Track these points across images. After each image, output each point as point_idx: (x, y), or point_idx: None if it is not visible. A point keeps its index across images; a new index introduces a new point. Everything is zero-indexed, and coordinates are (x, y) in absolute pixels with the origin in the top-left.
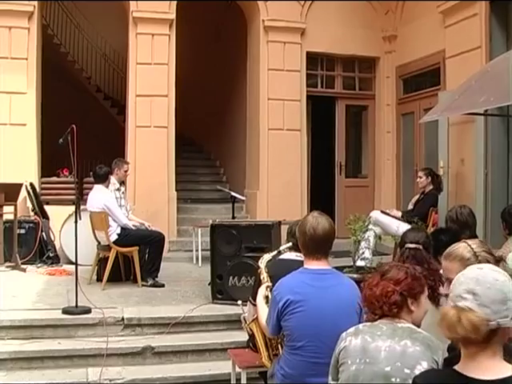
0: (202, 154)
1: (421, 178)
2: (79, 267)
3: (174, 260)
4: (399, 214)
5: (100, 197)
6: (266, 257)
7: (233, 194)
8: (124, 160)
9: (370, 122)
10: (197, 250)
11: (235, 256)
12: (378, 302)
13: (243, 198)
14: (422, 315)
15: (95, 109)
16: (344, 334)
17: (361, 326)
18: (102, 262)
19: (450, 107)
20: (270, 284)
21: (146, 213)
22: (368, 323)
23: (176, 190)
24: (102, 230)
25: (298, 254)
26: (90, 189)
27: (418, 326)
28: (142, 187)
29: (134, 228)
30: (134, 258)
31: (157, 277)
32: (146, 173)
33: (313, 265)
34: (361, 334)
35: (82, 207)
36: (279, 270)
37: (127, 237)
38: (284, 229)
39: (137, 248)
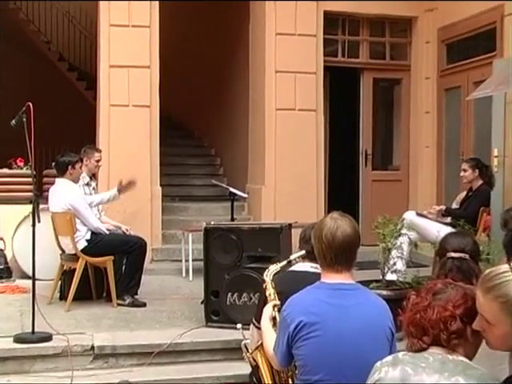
0: (194, 140)
1: (465, 171)
2: (37, 282)
3: (158, 273)
4: (439, 209)
5: (65, 193)
6: (274, 268)
7: (232, 190)
8: (94, 147)
9: (404, 100)
10: (187, 261)
11: (235, 267)
12: (433, 328)
13: (245, 196)
14: (478, 348)
15: (57, 82)
16: (379, 364)
17: (401, 354)
18: (66, 276)
19: (509, 80)
20: (278, 302)
21: (122, 213)
22: (409, 352)
23: (161, 185)
24: (67, 235)
25: (314, 265)
26: (52, 183)
27: (471, 360)
28: (118, 181)
29: (107, 233)
30: (108, 270)
31: (136, 294)
32: (122, 163)
33: (332, 278)
34: (400, 364)
35: (41, 207)
36: (290, 284)
37: (99, 244)
38: (296, 233)
39: (111, 258)
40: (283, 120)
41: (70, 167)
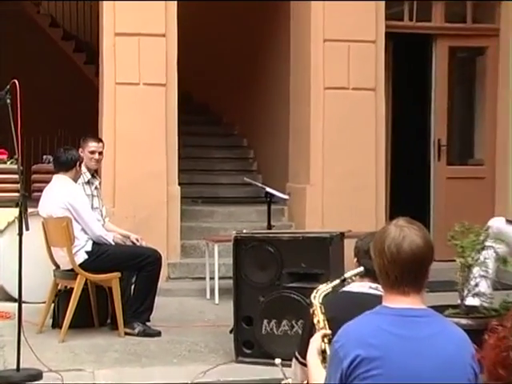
0: (221, 127)
1: None
2: (24, 306)
3: (176, 293)
4: None
5: (64, 191)
6: (323, 289)
7: (269, 189)
8: (91, 136)
9: (490, 76)
10: (212, 278)
11: (272, 287)
12: None
13: (285, 197)
14: None
15: (49, 54)
16: None
17: None
18: (61, 298)
19: None
20: (328, 331)
21: (132, 220)
22: None
23: (179, 185)
24: (62, 245)
25: (374, 285)
26: (43, 181)
27: None
28: (126, 180)
29: (113, 243)
30: (114, 290)
31: (149, 320)
32: (131, 157)
33: (397, 302)
34: None
35: (29, 210)
36: (344, 308)
37: (103, 257)
38: (349, 245)
39: (117, 275)
40: (333, 102)
41: (78, 164)
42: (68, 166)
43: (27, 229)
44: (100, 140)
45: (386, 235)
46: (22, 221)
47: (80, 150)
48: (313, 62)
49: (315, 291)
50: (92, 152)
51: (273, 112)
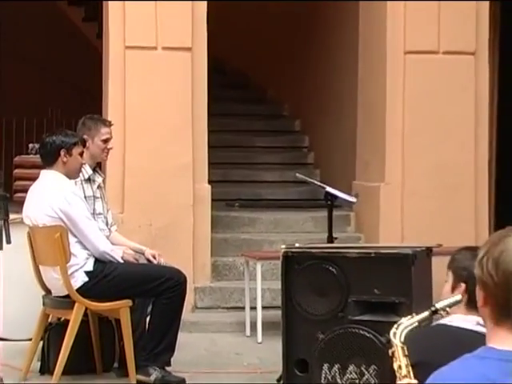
0: (265, 106)
1: None
2: (4, 345)
3: (206, 328)
4: None
5: (53, 193)
6: (406, 323)
7: (330, 190)
8: (99, 118)
9: None
10: (253, 308)
11: (335, 320)
12: None
13: (352, 200)
14: None
15: (36, 10)
16: None
17: None
18: (52, 334)
19: None
20: (414, 382)
21: (147, 229)
22: None
23: (210, 183)
24: (54, 264)
25: (476, 319)
26: (28, 178)
27: None
28: (139, 176)
29: (121, 261)
30: (123, 324)
31: (169, 364)
32: (146, 146)
33: (509, 342)
34: None
35: (12, 217)
36: (436, 350)
37: (108, 279)
38: (440, 264)
39: (128, 303)
40: (417, 71)
41: (63, 153)
42: (51, 156)
43: (8, 241)
44: (110, 123)
45: (497, 251)
46: (2, 231)
47: (85, 137)
48: (389, 18)
49: (395, 326)
50: (105, 140)
51: (334, 85)
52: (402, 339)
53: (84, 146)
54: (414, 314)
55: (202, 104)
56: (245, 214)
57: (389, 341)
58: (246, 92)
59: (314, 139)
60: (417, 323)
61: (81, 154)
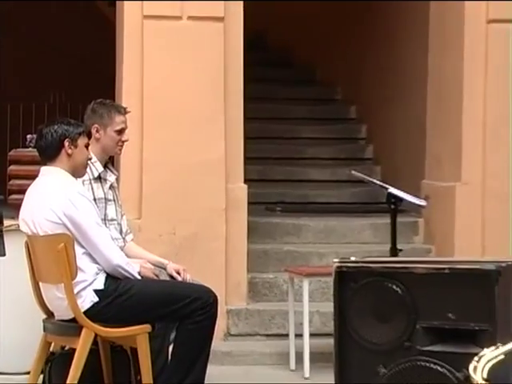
0: (314, 87)
1: None
2: None
3: (241, 360)
4: None
5: (56, 193)
6: (489, 355)
7: (393, 191)
8: (113, 104)
9: None
10: (299, 336)
11: (400, 351)
12: None
13: (421, 203)
14: None
15: None
16: None
17: None
18: (55, 366)
19: None
20: None
21: (169, 239)
22: None
23: (247, 182)
24: (57, 281)
25: None
26: (26, 176)
27: None
28: (160, 174)
29: (139, 277)
30: (141, 353)
31: None
32: (168, 137)
33: None
34: None
35: (6, 223)
36: None
37: (123, 300)
38: None
39: (147, 329)
40: (501, 43)
41: (67, 143)
42: (52, 149)
43: (1, 253)
44: (126, 110)
45: None
46: None
47: (94, 127)
48: None
49: (475, 359)
50: (120, 131)
51: (399, 64)
52: (485, 375)
53: (89, 137)
54: (498, 345)
55: (237, 86)
56: (288, 221)
57: (467, 377)
58: (289, 72)
59: (373, 129)
60: (502, 355)
61: (86, 147)
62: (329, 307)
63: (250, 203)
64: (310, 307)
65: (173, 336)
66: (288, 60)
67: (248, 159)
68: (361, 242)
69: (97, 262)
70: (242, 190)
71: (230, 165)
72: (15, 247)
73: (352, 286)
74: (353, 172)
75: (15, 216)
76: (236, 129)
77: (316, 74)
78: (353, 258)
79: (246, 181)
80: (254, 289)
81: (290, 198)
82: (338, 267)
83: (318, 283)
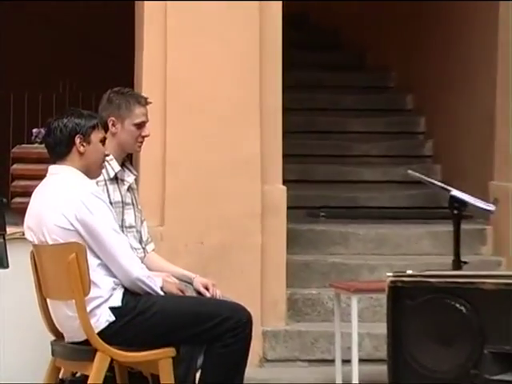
0: (364, 74)
1: None
2: None
3: None
4: None
5: (67, 199)
6: None
7: (457, 193)
8: (132, 93)
9: None
10: (346, 362)
11: (464, 379)
12: None
13: (489, 208)
14: None
15: None
16: None
17: None
18: None
19: None
20: None
21: (196, 249)
22: None
23: (285, 183)
24: (67, 297)
25: None
26: (32, 177)
27: None
28: (186, 175)
29: (161, 293)
30: (163, 380)
31: None
32: (195, 132)
33: None
34: None
35: (9, 231)
36: None
37: (143, 319)
38: None
39: (170, 353)
40: None
41: (79, 140)
42: (62, 145)
43: (4, 265)
44: (147, 101)
45: None
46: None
47: (110, 120)
48: None
49: None
50: (140, 125)
51: (463, 48)
52: None
53: (106, 130)
54: None
55: (275, 72)
56: (334, 228)
57: None
58: (336, 56)
59: (432, 122)
60: None
61: (102, 141)
62: (381, 329)
63: (289, 208)
64: (360, 329)
65: (200, 361)
66: (334, 42)
67: (287, 157)
68: (418, 252)
69: (113, 275)
70: (280, 193)
71: (266, 163)
72: (19, 258)
73: (408, 304)
74: (409, 172)
75: (19, 222)
76: (273, 121)
77: (367, 57)
78: (409, 272)
79: (284, 182)
80: (295, 307)
81: (336, 202)
82: (391, 282)
83: (369, 301)
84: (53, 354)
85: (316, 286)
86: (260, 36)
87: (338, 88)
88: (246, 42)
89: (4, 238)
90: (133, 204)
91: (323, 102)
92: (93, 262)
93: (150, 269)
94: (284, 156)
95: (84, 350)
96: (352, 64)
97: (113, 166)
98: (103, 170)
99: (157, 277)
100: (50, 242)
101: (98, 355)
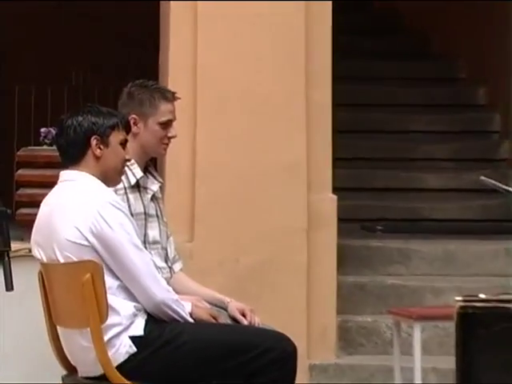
0: (428, 63)
1: None
2: None
3: None
4: None
5: (81, 210)
6: None
7: None
8: (157, 88)
9: None
10: None
11: None
12: None
13: None
14: None
15: None
16: None
17: None
18: None
19: None
20: None
21: (231, 268)
22: None
23: (335, 191)
24: (81, 325)
25: None
26: (40, 185)
27: None
28: (219, 182)
29: (190, 320)
30: None
31: None
32: (230, 133)
33: None
34: None
35: (14, 247)
36: None
37: (170, 351)
38: None
39: None
40: None
41: (95, 141)
42: (76, 148)
43: (9, 287)
44: (175, 96)
45: None
46: (7, 274)
47: (131, 118)
48: None
49: None
50: (166, 124)
51: None
52: None
53: (128, 130)
54: None
55: (324, 61)
56: (393, 244)
57: None
58: (396, 42)
59: (508, 119)
60: None
61: (123, 144)
62: (449, 363)
63: (340, 220)
64: (423, 362)
65: None
66: (394, 26)
67: (337, 160)
68: (492, 273)
69: (135, 299)
70: (329, 203)
71: (313, 168)
72: (25, 279)
73: (481, 333)
74: (482, 178)
75: (25, 237)
76: (321, 119)
77: (432, 44)
78: (482, 296)
79: (334, 190)
80: (347, 337)
81: (395, 214)
82: (461, 308)
83: (434, 330)
84: None
85: (371, 313)
86: (306, 19)
87: (397, 80)
88: (289, 26)
89: (8, 256)
90: (157, 216)
91: (379, 95)
92: (111, 283)
93: (177, 291)
94: (334, 160)
95: None
96: (414, 51)
97: (134, 171)
98: (123, 177)
99: (185, 301)
100: (62, 260)
101: None
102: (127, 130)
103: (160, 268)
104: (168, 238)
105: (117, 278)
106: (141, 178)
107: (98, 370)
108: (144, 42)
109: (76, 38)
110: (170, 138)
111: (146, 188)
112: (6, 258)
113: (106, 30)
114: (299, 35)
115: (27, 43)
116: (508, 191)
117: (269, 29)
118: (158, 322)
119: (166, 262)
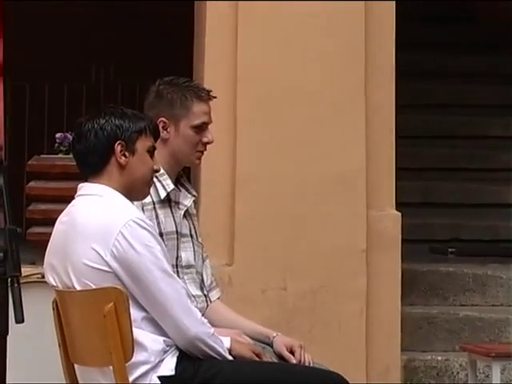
0: (508, 55)
1: None
2: None
3: None
4: None
5: (102, 229)
6: None
7: None
8: (190, 86)
9: None
10: None
11: None
12: None
13: None
14: None
15: None
16: None
17: None
18: None
19: None
20: None
21: (278, 297)
22: None
23: (399, 206)
24: (103, 363)
25: None
26: (57, 198)
27: None
28: (263, 196)
29: (230, 358)
30: None
31: None
32: (275, 139)
33: None
34: None
35: (25, 271)
36: None
37: None
38: None
39: None
40: None
41: (119, 148)
42: (97, 156)
43: (19, 319)
44: (210, 95)
45: None
46: (7, 300)
47: (160, 121)
48: None
49: None
50: (201, 128)
51: None
52: None
53: (157, 136)
54: None
55: (386, 57)
56: (467, 269)
57: None
58: (470, 31)
59: None
60: None
61: (151, 152)
62: None
63: (405, 241)
64: None
65: None
66: (468, 13)
67: (401, 171)
68: None
69: (164, 333)
70: (393, 221)
71: (373, 180)
72: (38, 309)
73: None
74: None
75: (37, 260)
76: (383, 123)
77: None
78: None
79: (398, 205)
80: (413, 377)
81: (470, 234)
82: None
83: None
84: None
85: (442, 350)
86: (365, 8)
87: (471, 76)
88: (346, 16)
89: (18, 283)
90: (191, 235)
91: (450, 95)
92: (136, 315)
93: (213, 323)
94: (397, 170)
95: None
96: (490, 43)
97: (164, 183)
98: (151, 190)
99: (223, 335)
100: (79, 288)
101: None
102: (155, 135)
103: (194, 296)
104: (204, 261)
105: (143, 309)
106: (172, 190)
107: None
108: (176, 32)
109: (95, 30)
110: (205, 144)
111: (177, 203)
112: (16, 285)
113: (130, 19)
114: (358, 27)
115: (40, 37)
116: None
117: (322, 20)
118: (192, 359)
119: (202, 289)
